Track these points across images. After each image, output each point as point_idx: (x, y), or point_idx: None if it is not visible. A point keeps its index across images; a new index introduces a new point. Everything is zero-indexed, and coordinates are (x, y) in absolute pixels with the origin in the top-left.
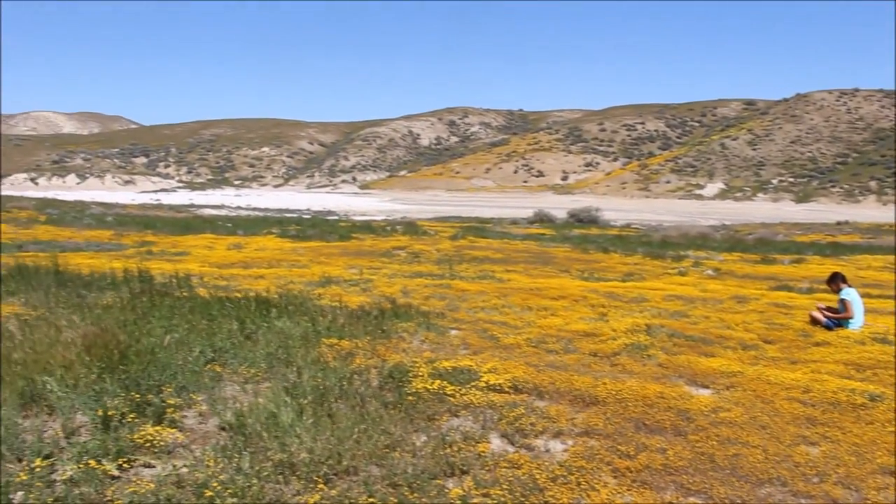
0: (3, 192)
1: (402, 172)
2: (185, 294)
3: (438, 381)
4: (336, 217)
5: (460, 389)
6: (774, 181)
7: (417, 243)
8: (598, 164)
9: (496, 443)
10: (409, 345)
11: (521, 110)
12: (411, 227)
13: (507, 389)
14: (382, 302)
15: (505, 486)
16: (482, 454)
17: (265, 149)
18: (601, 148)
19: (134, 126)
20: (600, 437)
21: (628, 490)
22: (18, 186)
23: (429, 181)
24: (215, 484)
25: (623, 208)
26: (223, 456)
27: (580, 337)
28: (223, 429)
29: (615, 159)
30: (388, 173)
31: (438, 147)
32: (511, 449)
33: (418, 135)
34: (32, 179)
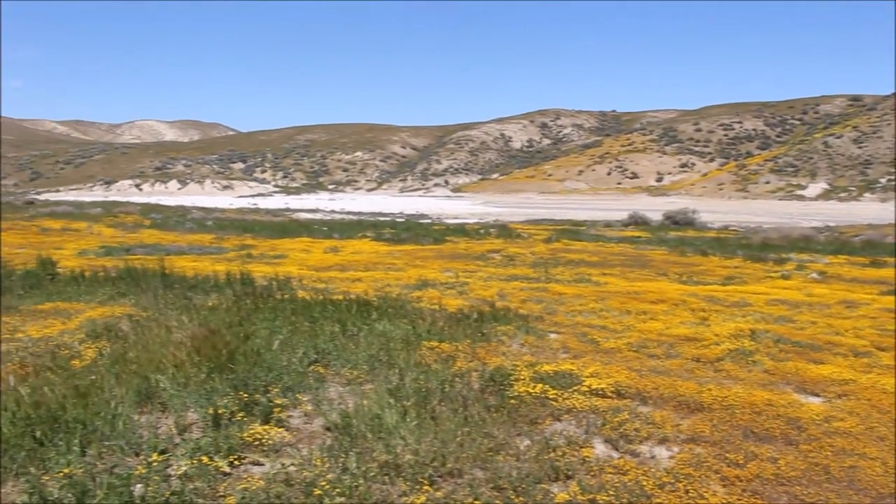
0: (111, 198)
1: (494, 175)
2: (286, 296)
3: (540, 385)
4: (429, 220)
5: (562, 393)
6: (883, 180)
7: (511, 246)
8: (693, 164)
9: (600, 448)
10: (509, 348)
11: (613, 111)
12: (504, 230)
13: (609, 394)
14: (480, 305)
15: (611, 492)
16: (587, 459)
17: (358, 153)
18: (697, 148)
19: (232, 133)
20: (707, 444)
21: (738, 500)
22: (124, 192)
23: (521, 184)
24: (323, 483)
25: (720, 210)
26: (330, 456)
27: (681, 342)
28: (328, 429)
29: (711, 160)
30: (480, 176)
31: (530, 149)
32: (615, 454)
33: (510, 137)
34: (137, 185)
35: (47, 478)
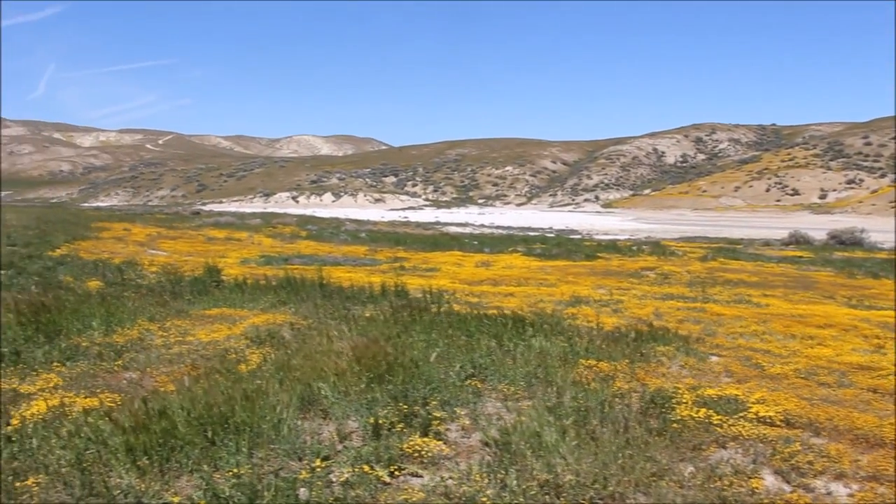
0: (269, 209)
1: (646, 191)
2: (442, 309)
3: (704, 410)
4: (579, 236)
5: (727, 420)
6: None
7: (666, 264)
8: (861, 181)
9: (770, 480)
10: (668, 370)
11: (773, 125)
12: (658, 248)
13: (778, 423)
14: (636, 324)
15: None
16: (756, 490)
17: (508, 168)
18: (866, 164)
19: (384, 147)
20: (891, 484)
21: None
22: (281, 204)
23: (674, 200)
24: (483, 499)
25: (892, 229)
26: (489, 471)
27: (855, 370)
28: (486, 444)
29: (882, 175)
30: (631, 192)
31: (684, 165)
32: (787, 488)
33: (663, 152)
34: (294, 198)
35: (218, 476)
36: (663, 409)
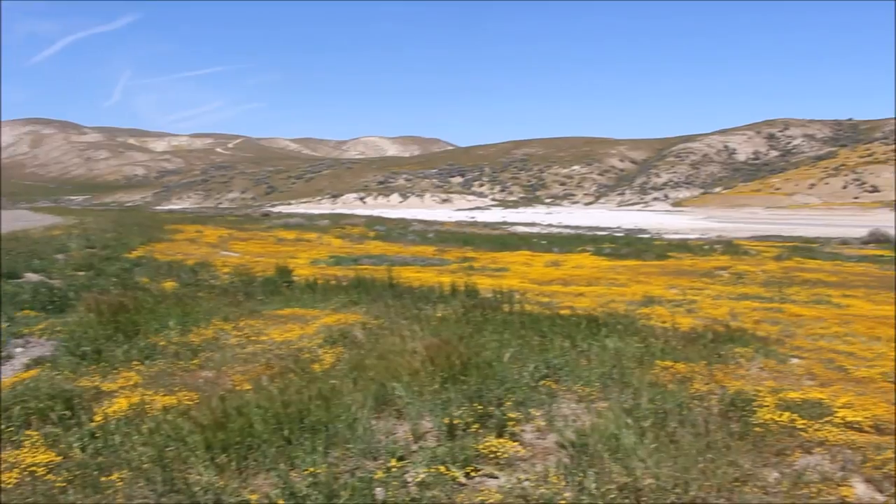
0: (337, 211)
1: (717, 189)
2: (514, 309)
3: (787, 413)
4: (648, 235)
5: (812, 424)
6: None
7: (740, 263)
8: None
9: (861, 488)
10: (748, 372)
11: (850, 119)
12: (730, 247)
13: (867, 429)
14: (713, 325)
15: None
16: (846, 499)
17: (576, 167)
18: None
19: (451, 148)
20: None
21: None
22: (349, 205)
23: (745, 198)
24: (562, 502)
25: None
26: (566, 474)
27: None
28: (562, 446)
29: None
30: (701, 190)
31: (756, 162)
32: (880, 497)
33: (734, 149)
34: (361, 199)
35: (294, 475)
36: (744, 413)
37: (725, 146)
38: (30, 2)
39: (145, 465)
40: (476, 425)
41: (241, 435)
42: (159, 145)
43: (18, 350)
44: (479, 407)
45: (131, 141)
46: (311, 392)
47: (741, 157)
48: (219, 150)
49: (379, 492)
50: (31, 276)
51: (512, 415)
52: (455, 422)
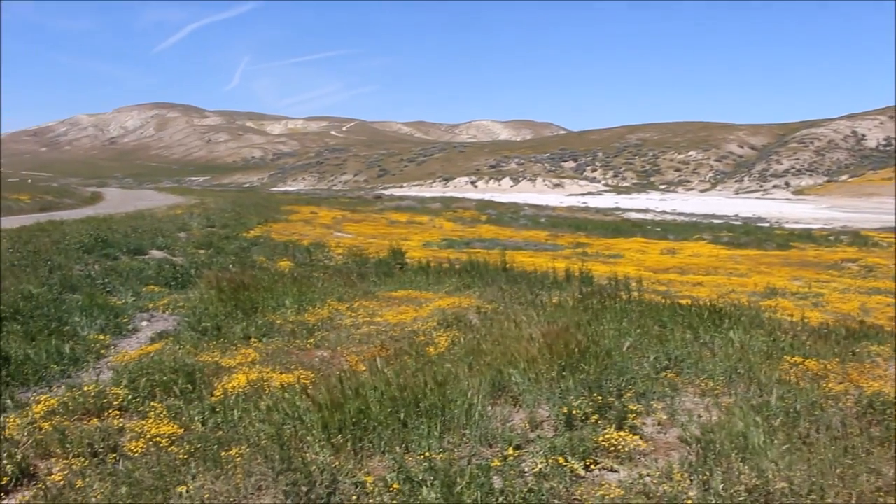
0: (448, 194)
1: (843, 177)
2: (632, 297)
3: None
4: (767, 224)
5: None
6: None
7: (869, 255)
8: None
9: None
10: (886, 372)
11: None
12: (858, 238)
13: None
14: (846, 320)
15: None
16: None
17: (692, 153)
18: None
19: (563, 132)
20: None
21: None
22: (460, 189)
23: (874, 187)
24: (687, 501)
25: None
26: (691, 471)
27: None
28: (685, 442)
29: None
30: (826, 178)
31: (888, 148)
32: None
33: (863, 135)
34: (472, 182)
35: (410, 458)
36: (884, 416)
37: (854, 132)
38: None
39: (263, 442)
40: (595, 416)
41: (358, 416)
42: (276, 128)
43: (144, 324)
44: (599, 398)
45: (249, 124)
46: (426, 376)
47: (871, 143)
48: (333, 133)
49: (496, 480)
50: (156, 253)
51: (632, 407)
52: (573, 412)
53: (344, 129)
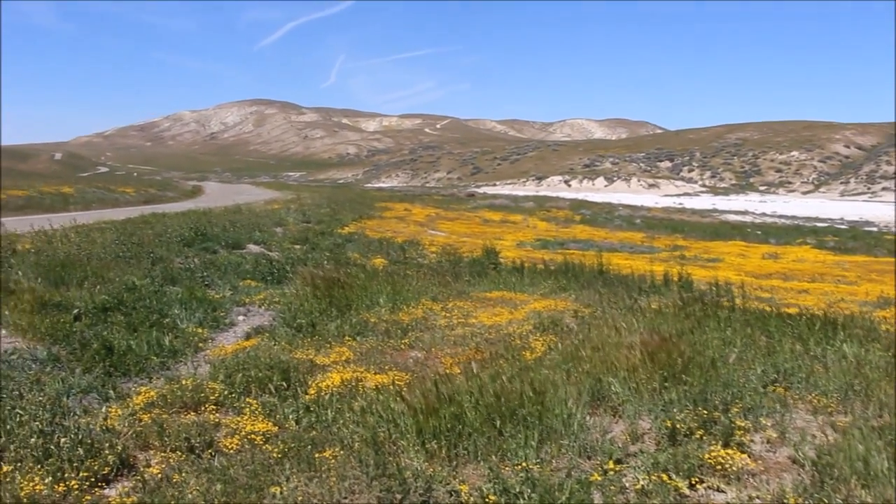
0: (541, 193)
1: None
2: (735, 304)
3: None
4: (876, 229)
5: None
6: None
7: None
8: None
9: None
10: None
11: None
12: None
13: None
14: None
15: None
16: None
17: (794, 153)
18: None
19: (659, 131)
20: None
21: None
22: (553, 188)
23: None
24: None
25: None
26: (805, 496)
27: None
28: (796, 463)
29: None
30: None
31: None
32: None
33: None
34: (566, 182)
35: (506, 468)
36: None
37: None
38: None
39: (357, 445)
40: (700, 431)
41: (453, 422)
42: (371, 125)
43: (240, 318)
44: (704, 412)
45: (345, 121)
46: (523, 382)
47: None
48: (427, 130)
49: (596, 496)
50: (253, 248)
51: (739, 422)
52: (677, 426)
53: (438, 126)
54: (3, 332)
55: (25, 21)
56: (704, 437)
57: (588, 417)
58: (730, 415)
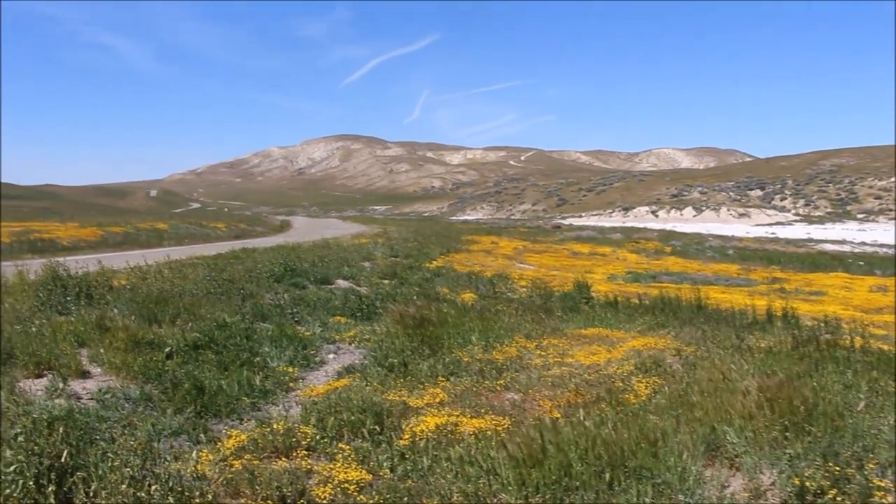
0: (628, 224)
1: None
2: (853, 343)
3: None
4: None
5: None
6: None
7: None
8: None
9: None
10: None
11: None
12: None
13: None
14: None
15: None
16: None
17: (893, 179)
18: None
19: (749, 159)
20: None
21: None
22: (640, 218)
23: None
24: None
25: None
26: None
27: None
28: None
29: None
30: None
31: None
32: None
33: None
34: (653, 212)
35: None
36: None
37: None
38: (344, 29)
39: (456, 497)
40: (833, 491)
41: (558, 474)
42: (455, 158)
43: (331, 356)
44: (836, 468)
45: (429, 154)
46: (632, 430)
47: None
48: (511, 162)
49: None
50: (342, 283)
51: (877, 482)
52: (806, 483)
53: (522, 158)
54: (99, 370)
55: (122, 65)
56: (838, 498)
57: (703, 469)
58: (865, 472)
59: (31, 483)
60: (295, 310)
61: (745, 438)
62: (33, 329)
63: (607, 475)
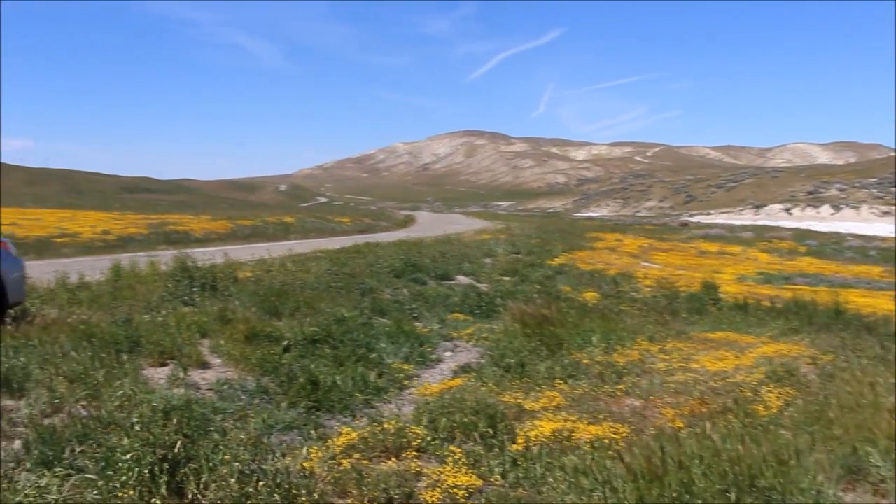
0: (759, 222)
1: None
2: None
3: None
4: None
5: None
6: None
7: None
8: None
9: None
10: None
11: None
12: None
13: None
14: None
15: None
16: None
17: None
18: None
19: (893, 154)
20: None
21: None
22: (773, 216)
23: None
24: None
25: None
26: None
27: None
28: None
29: None
30: None
31: None
32: None
33: None
34: (787, 210)
35: None
36: None
37: None
38: (469, 24)
39: None
40: None
41: (679, 491)
42: (580, 154)
43: (447, 354)
44: None
45: (554, 150)
46: (762, 447)
47: None
48: (637, 158)
49: None
50: (462, 279)
51: None
52: None
53: (648, 154)
54: (218, 361)
55: (256, 65)
56: None
57: (842, 494)
58: None
59: (146, 472)
60: (414, 306)
61: (891, 462)
62: (160, 319)
63: (733, 495)
